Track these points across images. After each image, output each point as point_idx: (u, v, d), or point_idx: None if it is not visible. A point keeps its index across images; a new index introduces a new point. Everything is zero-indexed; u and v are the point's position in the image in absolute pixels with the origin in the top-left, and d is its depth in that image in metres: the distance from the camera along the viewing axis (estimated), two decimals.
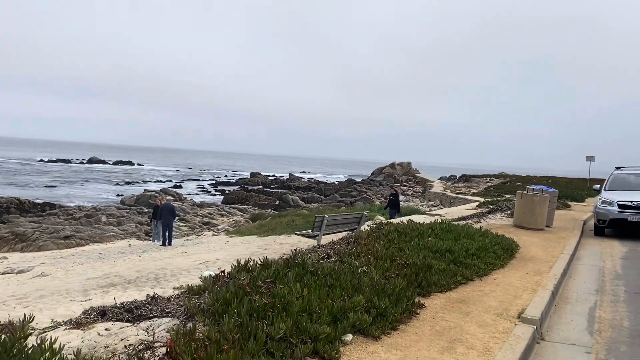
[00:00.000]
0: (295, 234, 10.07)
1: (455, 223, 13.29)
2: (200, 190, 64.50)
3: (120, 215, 26.96)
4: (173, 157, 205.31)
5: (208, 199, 51.78)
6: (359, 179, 78.91)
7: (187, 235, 23.96)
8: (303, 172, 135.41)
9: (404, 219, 16.69)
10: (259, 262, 4.70)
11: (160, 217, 18.12)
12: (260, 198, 45.53)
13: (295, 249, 8.13)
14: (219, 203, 43.86)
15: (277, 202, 40.96)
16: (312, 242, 9.61)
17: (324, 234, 9.75)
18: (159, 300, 4.77)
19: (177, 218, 19.54)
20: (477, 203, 22.59)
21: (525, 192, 12.58)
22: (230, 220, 28.25)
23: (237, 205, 36.19)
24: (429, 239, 7.36)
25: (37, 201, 39.09)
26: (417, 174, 75.16)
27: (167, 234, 18.18)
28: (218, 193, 59.80)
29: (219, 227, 25.07)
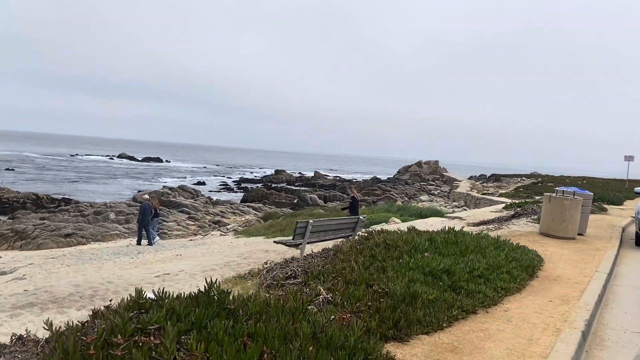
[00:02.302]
0: (275, 241, 8.71)
1: (470, 230, 11.70)
2: (223, 188, 63.86)
3: (130, 212, 26.05)
4: (205, 155, 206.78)
5: (229, 196, 50.97)
6: (384, 177, 76.96)
7: (194, 234, 22.90)
8: (331, 169, 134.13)
9: (408, 224, 15.10)
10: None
11: (145, 217, 17.32)
12: (280, 196, 44.37)
13: (268, 263, 6.75)
14: (238, 201, 42.92)
15: (295, 201, 39.69)
16: (297, 252, 8.25)
17: (310, 242, 8.36)
18: (26, 343, 3.48)
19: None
20: (503, 205, 20.83)
21: (554, 194, 10.89)
22: (242, 219, 27.09)
23: (251, 204, 35.06)
24: (426, 254, 5.88)
25: (55, 197, 38.93)
26: (445, 173, 72.79)
27: (142, 233, 17.63)
28: (240, 190, 58.97)
29: (228, 227, 23.92)
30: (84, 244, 20.10)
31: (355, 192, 16.19)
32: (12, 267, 14.50)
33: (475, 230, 12.31)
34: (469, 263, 5.76)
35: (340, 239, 8.83)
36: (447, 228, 8.03)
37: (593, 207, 17.51)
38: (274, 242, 8.83)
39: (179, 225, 23.98)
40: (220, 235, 22.13)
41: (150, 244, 17.37)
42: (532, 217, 13.48)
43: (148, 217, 17.15)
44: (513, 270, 6.13)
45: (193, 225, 24.65)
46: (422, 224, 16.11)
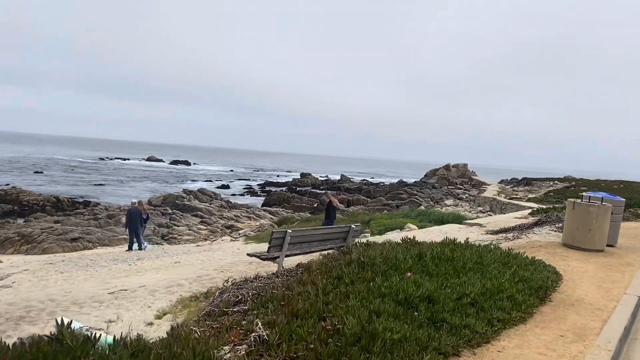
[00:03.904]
0: (248, 254, 7.78)
1: (486, 239, 10.57)
2: (247, 191, 63.46)
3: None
4: (234, 158, 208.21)
5: (252, 200, 50.49)
6: (411, 181, 75.29)
7: (205, 239, 22.21)
8: (359, 172, 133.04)
9: (423, 230, 13.95)
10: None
11: (131, 222, 16.95)
12: (302, 200, 43.60)
13: (229, 281, 5.91)
14: (260, 204, 42.28)
15: (315, 205, 38.79)
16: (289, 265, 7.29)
17: (290, 254, 7.37)
18: None
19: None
20: (529, 210, 19.43)
21: (578, 200, 9.63)
22: (257, 223, 26.29)
23: (269, 208, 34.28)
24: (408, 274, 4.84)
25: (77, 199, 39.06)
26: (474, 177, 70.70)
27: (134, 239, 17.31)
28: (264, 194, 58.38)
29: (240, 232, 23.15)
30: (90, 248, 19.65)
31: (333, 198, 14.90)
32: (5, 274, 13.99)
33: (492, 239, 11.13)
34: (458, 287, 4.68)
35: (329, 251, 7.84)
36: (446, 239, 6.94)
37: (628, 214, 16.03)
38: (247, 254, 7.91)
39: (190, 229, 23.36)
40: (231, 240, 21.39)
41: (139, 248, 17.13)
42: (557, 225, 12.18)
43: (136, 222, 16.79)
44: (517, 295, 5.02)
45: (205, 229, 23.99)
46: (436, 231, 14.94)
